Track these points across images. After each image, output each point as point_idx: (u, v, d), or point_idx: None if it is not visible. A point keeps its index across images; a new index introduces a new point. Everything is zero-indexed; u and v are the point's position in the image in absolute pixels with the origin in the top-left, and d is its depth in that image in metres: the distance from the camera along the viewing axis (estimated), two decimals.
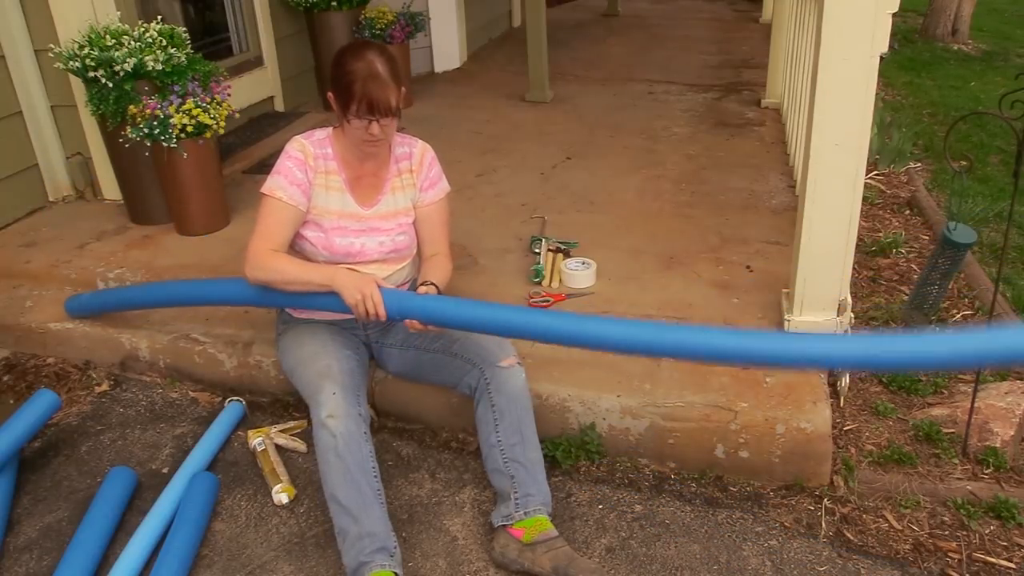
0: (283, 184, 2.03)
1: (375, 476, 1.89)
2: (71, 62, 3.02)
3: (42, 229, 3.31)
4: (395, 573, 1.81)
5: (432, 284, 2.07)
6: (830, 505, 2.07)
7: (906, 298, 2.93)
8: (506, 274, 2.80)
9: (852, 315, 2.35)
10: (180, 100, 2.98)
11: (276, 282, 2.02)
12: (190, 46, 3.25)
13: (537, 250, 2.86)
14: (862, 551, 1.95)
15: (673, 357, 1.88)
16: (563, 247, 2.89)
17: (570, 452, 2.24)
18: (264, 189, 2.05)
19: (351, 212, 2.11)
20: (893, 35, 2.29)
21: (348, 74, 1.93)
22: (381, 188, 2.15)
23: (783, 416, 2.11)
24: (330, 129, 2.13)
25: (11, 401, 2.53)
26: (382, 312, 1.92)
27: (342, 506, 1.84)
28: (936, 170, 4.47)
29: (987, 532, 1.99)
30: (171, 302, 2.54)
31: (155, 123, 2.92)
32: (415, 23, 5.06)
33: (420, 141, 2.22)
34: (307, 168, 2.05)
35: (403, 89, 2.00)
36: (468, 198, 3.46)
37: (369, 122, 1.95)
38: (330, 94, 2.01)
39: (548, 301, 2.58)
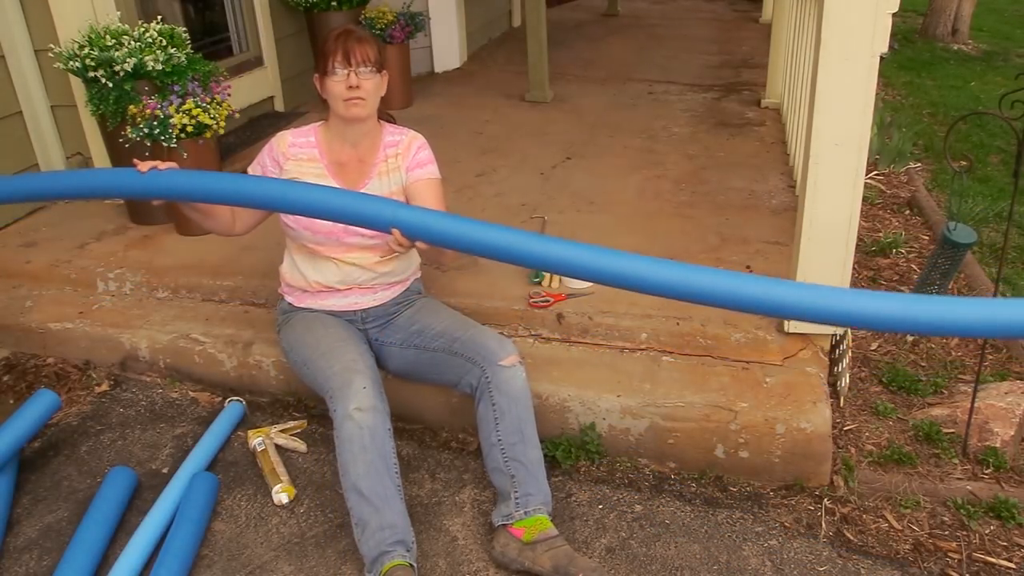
0: (254, 166, 2.24)
1: (396, 472, 1.91)
2: (71, 62, 3.02)
3: (42, 229, 3.31)
4: (412, 565, 1.83)
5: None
6: (830, 505, 2.07)
7: None
8: (506, 274, 2.79)
9: None
10: (180, 100, 2.98)
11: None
12: (190, 46, 3.25)
13: None
14: (862, 551, 1.95)
15: (689, 301, 1.74)
16: None
17: (570, 452, 2.24)
18: None
19: None
20: (893, 35, 2.29)
21: (325, 39, 2.06)
22: (368, 173, 2.17)
23: (783, 416, 2.11)
24: (320, 122, 2.21)
25: (11, 401, 2.53)
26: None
27: (364, 497, 1.85)
28: (936, 170, 4.48)
29: (987, 532, 1.99)
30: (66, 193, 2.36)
31: (155, 123, 2.92)
32: (415, 23, 5.06)
33: (412, 131, 2.24)
34: (274, 155, 2.18)
35: (385, 71, 2.09)
36: (468, 198, 3.46)
37: (348, 74, 2.02)
38: (316, 76, 2.10)
39: (548, 301, 2.58)
